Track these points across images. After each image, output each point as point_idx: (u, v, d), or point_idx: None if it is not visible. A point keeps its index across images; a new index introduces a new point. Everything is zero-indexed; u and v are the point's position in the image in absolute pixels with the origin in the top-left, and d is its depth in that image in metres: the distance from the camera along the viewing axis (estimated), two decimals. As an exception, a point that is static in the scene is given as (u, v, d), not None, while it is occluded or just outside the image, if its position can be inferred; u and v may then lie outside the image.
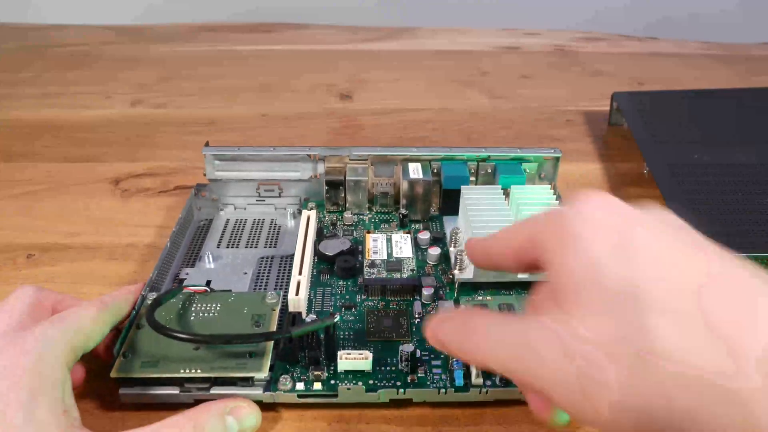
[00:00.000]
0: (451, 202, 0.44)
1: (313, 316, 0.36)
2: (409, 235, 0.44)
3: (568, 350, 0.21)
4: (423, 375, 0.33)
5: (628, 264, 0.21)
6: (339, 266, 0.40)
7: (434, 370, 0.33)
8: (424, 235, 0.43)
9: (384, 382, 0.33)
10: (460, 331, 0.24)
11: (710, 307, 0.19)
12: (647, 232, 0.22)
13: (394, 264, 0.41)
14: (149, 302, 0.34)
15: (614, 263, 0.21)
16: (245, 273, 0.41)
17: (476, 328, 0.24)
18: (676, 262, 0.21)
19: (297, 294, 0.35)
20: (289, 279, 0.37)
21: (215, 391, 0.32)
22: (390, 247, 0.42)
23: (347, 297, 0.38)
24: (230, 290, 0.39)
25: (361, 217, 0.46)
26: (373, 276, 0.39)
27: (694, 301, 0.19)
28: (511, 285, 0.38)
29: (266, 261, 0.42)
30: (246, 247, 0.44)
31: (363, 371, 0.33)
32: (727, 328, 0.19)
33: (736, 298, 0.20)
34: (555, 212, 0.24)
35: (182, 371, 0.31)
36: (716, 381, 0.18)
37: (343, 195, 0.47)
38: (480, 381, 0.32)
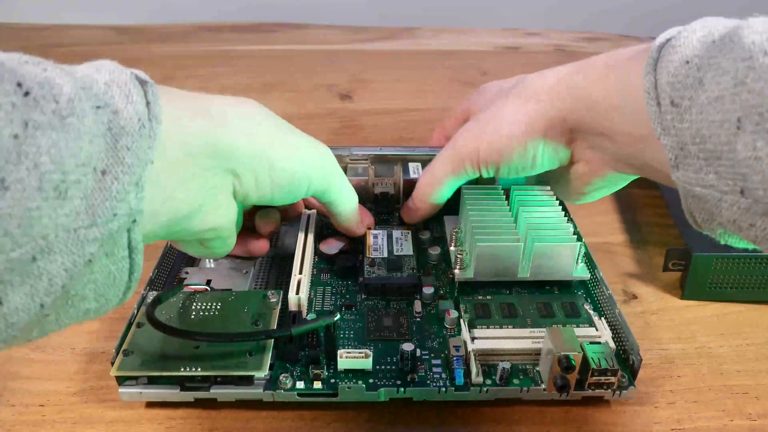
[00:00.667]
0: (451, 202, 0.44)
1: (313, 316, 0.36)
2: (409, 231, 0.44)
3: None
4: (423, 374, 0.33)
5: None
6: (339, 265, 0.40)
7: (434, 369, 0.33)
8: (424, 235, 0.43)
9: (384, 381, 0.33)
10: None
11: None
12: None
13: (394, 262, 0.41)
14: (149, 300, 0.34)
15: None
16: (245, 272, 0.41)
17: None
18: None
19: (297, 293, 0.35)
20: (289, 278, 0.37)
21: (215, 389, 0.32)
22: (390, 244, 0.42)
23: (347, 296, 0.38)
24: (230, 289, 0.39)
25: (362, 216, 0.46)
26: (374, 275, 0.39)
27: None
28: (511, 285, 0.38)
29: (266, 260, 0.42)
30: (246, 247, 0.44)
31: (363, 370, 0.33)
32: None
33: None
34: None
35: (182, 370, 0.31)
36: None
37: (343, 194, 0.47)
38: (480, 380, 0.32)
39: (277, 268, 0.42)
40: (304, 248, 0.39)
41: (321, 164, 0.34)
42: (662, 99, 0.25)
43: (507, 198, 0.41)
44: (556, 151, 0.35)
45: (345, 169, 0.46)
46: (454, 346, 0.33)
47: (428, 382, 0.32)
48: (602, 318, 0.35)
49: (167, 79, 0.77)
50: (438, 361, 0.34)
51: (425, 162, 0.46)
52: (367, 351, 0.33)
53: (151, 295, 0.35)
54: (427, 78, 0.79)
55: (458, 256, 0.38)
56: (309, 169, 0.33)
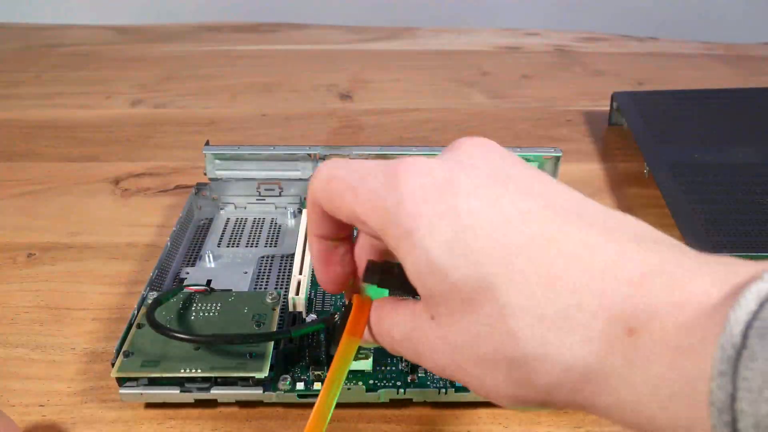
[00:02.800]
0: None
1: (313, 316, 0.36)
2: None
3: (455, 364, 0.20)
4: (423, 375, 0.33)
5: (466, 259, 0.19)
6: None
7: (434, 370, 0.33)
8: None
9: (384, 382, 0.33)
10: (377, 331, 0.24)
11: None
12: (475, 203, 0.20)
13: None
14: (149, 302, 0.34)
15: (453, 261, 0.19)
16: (245, 272, 0.41)
17: (382, 317, 0.24)
18: (520, 246, 0.19)
19: (297, 293, 0.35)
20: (289, 278, 0.37)
21: (215, 390, 0.32)
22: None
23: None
24: (230, 290, 0.39)
25: (362, 216, 0.46)
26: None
27: (545, 293, 0.18)
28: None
29: (266, 260, 0.42)
30: (246, 247, 0.44)
31: (363, 371, 0.33)
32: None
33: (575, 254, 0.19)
34: (379, 200, 0.21)
35: (182, 371, 0.31)
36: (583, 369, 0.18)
37: (343, 195, 0.46)
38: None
39: (277, 269, 0.42)
40: (304, 248, 0.39)
41: None
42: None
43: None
44: None
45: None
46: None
47: (428, 383, 0.32)
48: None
49: (167, 79, 0.77)
50: (438, 362, 0.34)
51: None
52: (368, 352, 0.33)
53: (152, 296, 0.35)
54: (427, 78, 0.79)
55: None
56: None
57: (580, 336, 0.18)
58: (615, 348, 0.17)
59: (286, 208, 0.48)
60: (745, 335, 0.15)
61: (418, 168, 0.20)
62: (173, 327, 0.34)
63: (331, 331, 0.33)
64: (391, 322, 0.23)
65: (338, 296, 0.38)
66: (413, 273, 0.20)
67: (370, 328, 0.24)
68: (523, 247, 0.19)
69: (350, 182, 0.22)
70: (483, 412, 0.33)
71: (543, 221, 0.19)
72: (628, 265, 0.18)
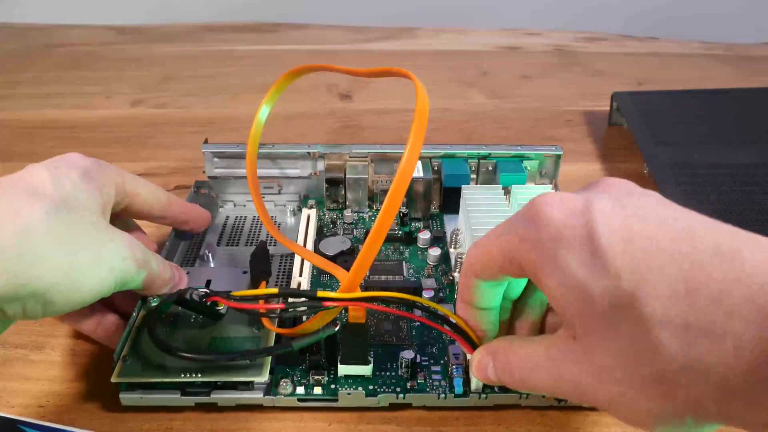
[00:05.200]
0: (451, 201, 0.44)
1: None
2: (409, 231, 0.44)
3: (598, 383, 0.21)
4: (423, 381, 0.33)
5: (605, 273, 0.20)
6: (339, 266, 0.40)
7: (434, 377, 0.33)
8: (425, 235, 0.43)
9: (384, 387, 0.32)
10: (504, 370, 0.25)
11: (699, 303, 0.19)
12: (613, 226, 0.21)
13: (394, 265, 0.40)
14: (152, 304, 0.34)
15: (593, 276, 0.20)
16: (245, 272, 0.41)
17: (514, 363, 0.25)
18: (657, 258, 0.20)
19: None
20: (289, 278, 0.37)
21: (216, 395, 0.32)
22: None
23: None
24: (230, 290, 0.38)
25: (362, 214, 0.46)
26: (374, 278, 0.39)
27: (689, 302, 0.19)
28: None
29: (266, 261, 0.42)
30: (246, 245, 0.44)
31: (363, 376, 0.33)
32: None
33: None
34: (522, 232, 0.23)
35: (183, 376, 0.31)
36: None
37: (343, 192, 0.47)
38: (479, 387, 0.32)
39: (276, 269, 0.42)
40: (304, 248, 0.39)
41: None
42: None
43: (508, 196, 0.41)
44: None
45: (345, 167, 0.46)
46: (453, 354, 0.33)
47: (427, 389, 0.32)
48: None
49: (167, 79, 0.77)
50: (437, 368, 0.33)
51: (426, 161, 0.46)
52: (368, 357, 0.32)
53: (152, 297, 0.35)
54: (427, 78, 0.79)
55: (458, 258, 0.38)
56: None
57: (730, 345, 0.17)
58: None
59: (285, 206, 0.48)
60: None
61: (552, 198, 0.22)
62: (172, 331, 0.34)
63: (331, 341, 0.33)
64: (522, 357, 0.24)
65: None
66: (556, 296, 0.21)
67: (495, 369, 0.26)
68: (661, 257, 0.19)
69: (496, 234, 0.25)
70: (482, 415, 0.33)
71: (678, 231, 0.20)
72: None
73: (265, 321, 0.33)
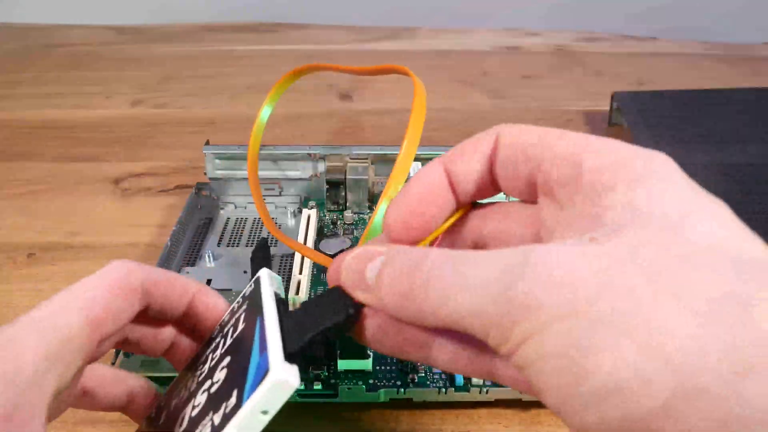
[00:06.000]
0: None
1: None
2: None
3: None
4: (423, 375, 0.33)
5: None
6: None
7: (434, 370, 0.33)
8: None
9: (384, 381, 0.33)
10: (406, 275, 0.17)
11: None
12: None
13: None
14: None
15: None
16: (245, 272, 0.41)
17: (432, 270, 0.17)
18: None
19: (297, 293, 0.35)
20: (289, 278, 0.37)
21: (215, 390, 0.32)
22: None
23: (347, 296, 0.38)
24: (230, 289, 0.39)
25: (362, 216, 0.46)
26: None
27: None
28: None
29: (266, 260, 0.42)
30: (246, 246, 0.44)
31: (363, 371, 0.33)
32: None
33: None
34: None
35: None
36: None
37: (343, 194, 0.47)
38: (480, 381, 0.32)
39: (277, 269, 0.42)
40: (304, 248, 0.39)
41: None
42: None
43: (507, 198, 0.41)
44: None
45: (345, 168, 0.46)
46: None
47: (428, 382, 0.32)
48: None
49: (167, 79, 0.77)
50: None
51: (425, 162, 0.46)
52: (367, 352, 0.33)
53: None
54: (427, 78, 0.79)
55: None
56: None
57: None
58: None
59: (286, 207, 0.48)
60: None
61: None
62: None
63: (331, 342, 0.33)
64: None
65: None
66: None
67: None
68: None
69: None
70: (483, 411, 0.33)
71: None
72: None
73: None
